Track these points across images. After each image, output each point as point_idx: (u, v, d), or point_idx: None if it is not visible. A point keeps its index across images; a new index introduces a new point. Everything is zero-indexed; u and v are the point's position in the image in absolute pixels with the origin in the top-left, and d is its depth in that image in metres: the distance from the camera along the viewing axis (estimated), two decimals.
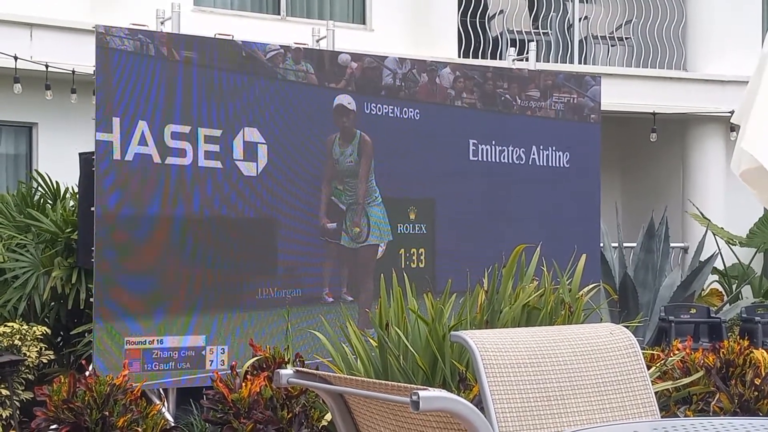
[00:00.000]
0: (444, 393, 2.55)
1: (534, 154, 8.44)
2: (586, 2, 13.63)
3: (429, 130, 8.07)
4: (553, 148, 8.51)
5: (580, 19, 13.39)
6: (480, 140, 8.24)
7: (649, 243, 10.61)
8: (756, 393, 5.90)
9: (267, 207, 7.42)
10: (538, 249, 5.93)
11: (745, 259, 12.30)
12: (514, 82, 8.43)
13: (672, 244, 11.36)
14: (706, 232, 11.36)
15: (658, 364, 5.85)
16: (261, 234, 7.43)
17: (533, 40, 10.75)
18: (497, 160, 8.29)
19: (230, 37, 7.54)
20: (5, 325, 7.41)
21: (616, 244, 10.77)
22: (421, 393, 2.49)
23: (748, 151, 4.73)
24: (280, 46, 7.61)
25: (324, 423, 5.73)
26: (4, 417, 6.99)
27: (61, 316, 8.15)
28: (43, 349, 7.52)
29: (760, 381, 5.94)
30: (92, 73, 7.16)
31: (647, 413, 3.32)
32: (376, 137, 7.84)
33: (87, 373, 6.06)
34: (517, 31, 12.88)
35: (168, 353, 6.99)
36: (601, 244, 9.31)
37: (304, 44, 8.23)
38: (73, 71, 9.88)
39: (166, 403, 7.12)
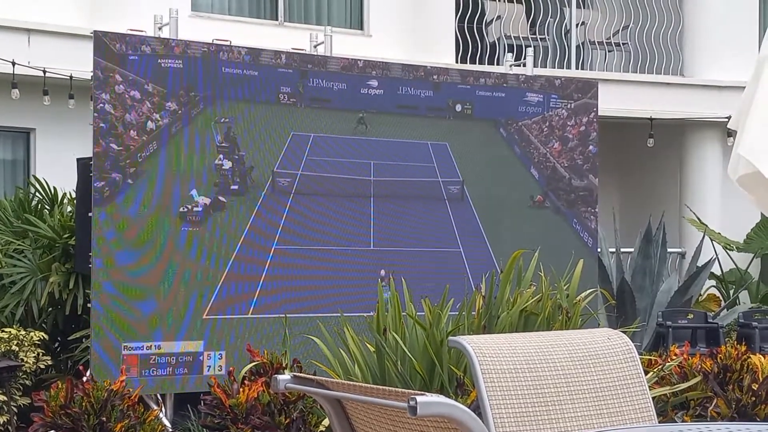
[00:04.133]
0: (441, 398, 2.55)
1: None
2: (584, 8, 13.65)
3: None
4: None
5: (577, 25, 13.41)
6: None
7: (646, 248, 10.61)
8: (753, 398, 5.90)
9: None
10: (536, 254, 5.94)
11: (742, 265, 12.31)
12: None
13: (669, 250, 11.37)
14: (704, 237, 11.37)
15: (655, 370, 5.85)
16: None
17: (530, 46, 10.77)
18: None
19: (228, 43, 7.56)
20: (3, 331, 7.41)
21: (614, 250, 10.78)
22: (419, 398, 2.49)
23: (745, 157, 4.74)
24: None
25: (321, 428, 5.73)
26: (1, 423, 6.98)
27: (59, 322, 8.15)
28: (41, 354, 7.51)
29: (757, 386, 5.95)
30: (90, 78, 7.17)
31: (645, 418, 3.33)
32: None
33: (84, 379, 6.06)
34: (514, 37, 12.89)
35: (165, 358, 6.99)
36: (599, 249, 9.32)
37: (302, 50, 8.25)
38: (71, 77, 9.89)
39: (163, 409, 7.12)
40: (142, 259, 6.98)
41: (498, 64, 12.30)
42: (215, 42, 7.55)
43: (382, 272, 7.73)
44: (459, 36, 12.58)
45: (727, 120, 10.71)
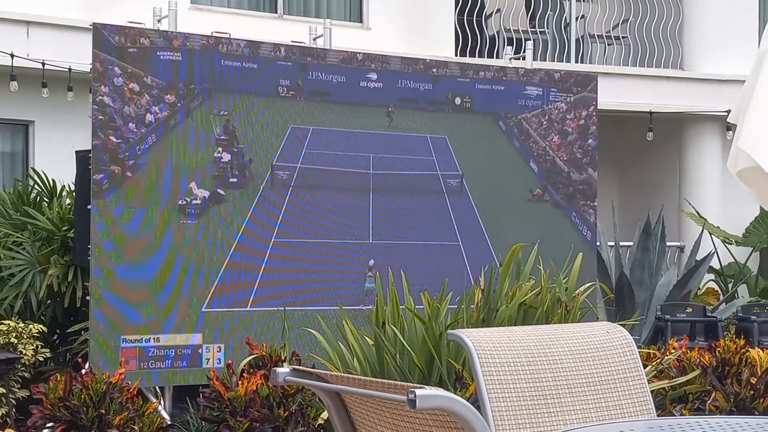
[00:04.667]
0: (440, 391, 2.55)
1: None
2: (583, 1, 13.64)
3: None
4: None
5: (577, 18, 13.40)
6: None
7: (645, 242, 10.61)
8: (752, 392, 5.91)
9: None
10: (536, 248, 5.94)
11: (741, 258, 12.32)
12: None
13: (668, 243, 11.37)
14: (702, 231, 11.37)
15: (654, 363, 5.86)
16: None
17: (530, 39, 10.75)
18: None
19: (227, 36, 7.55)
20: (1, 323, 7.41)
21: (613, 243, 10.78)
22: (418, 391, 2.49)
23: (745, 151, 4.73)
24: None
25: (320, 421, 5.73)
26: (0, 415, 6.99)
27: (58, 314, 8.15)
28: (40, 347, 7.52)
29: (756, 380, 5.95)
30: (89, 71, 7.16)
31: (643, 412, 3.33)
32: None
33: (83, 371, 6.06)
34: (514, 30, 12.88)
35: (164, 351, 6.99)
36: (598, 243, 9.32)
37: (301, 42, 8.24)
38: (70, 69, 9.87)
39: (162, 401, 7.12)
40: (141, 251, 6.98)
41: (497, 57, 12.30)
42: (214, 34, 7.54)
43: (371, 262, 7.73)
44: (458, 29, 12.57)
45: (726, 114, 10.72)
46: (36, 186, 8.83)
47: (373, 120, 8.00)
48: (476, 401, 3.10)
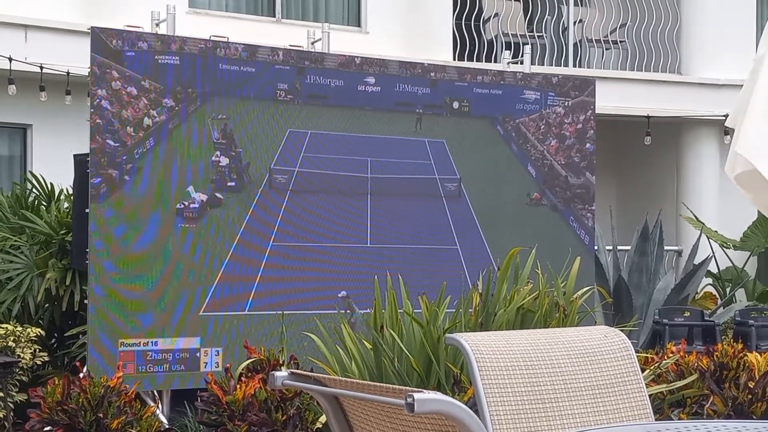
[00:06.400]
0: (439, 395, 2.55)
1: None
2: (581, 5, 13.65)
3: None
4: None
5: (574, 23, 13.40)
6: None
7: (643, 246, 10.62)
8: (750, 396, 5.91)
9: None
10: (533, 252, 5.94)
11: (738, 263, 12.32)
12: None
13: (666, 247, 11.37)
14: (700, 235, 11.37)
15: (652, 367, 5.86)
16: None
17: (528, 44, 10.76)
18: None
19: (225, 39, 7.55)
20: None
21: (611, 247, 10.78)
22: (416, 395, 2.49)
23: (743, 155, 4.74)
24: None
25: (318, 425, 5.73)
26: None
27: (55, 318, 8.14)
28: (37, 350, 7.51)
29: (753, 384, 5.95)
30: (87, 74, 7.16)
31: (641, 416, 3.33)
32: None
33: (81, 375, 6.05)
34: (512, 34, 12.88)
35: (162, 355, 6.99)
36: (596, 247, 9.32)
37: (299, 46, 8.25)
38: (68, 73, 9.87)
39: (160, 405, 7.12)
40: (139, 255, 6.98)
41: (495, 61, 12.30)
42: (212, 38, 7.54)
43: (343, 293, 7.65)
44: (456, 33, 12.57)
45: (724, 118, 10.69)
46: (34, 190, 8.82)
47: (370, 124, 8.00)
48: (474, 405, 3.10)
